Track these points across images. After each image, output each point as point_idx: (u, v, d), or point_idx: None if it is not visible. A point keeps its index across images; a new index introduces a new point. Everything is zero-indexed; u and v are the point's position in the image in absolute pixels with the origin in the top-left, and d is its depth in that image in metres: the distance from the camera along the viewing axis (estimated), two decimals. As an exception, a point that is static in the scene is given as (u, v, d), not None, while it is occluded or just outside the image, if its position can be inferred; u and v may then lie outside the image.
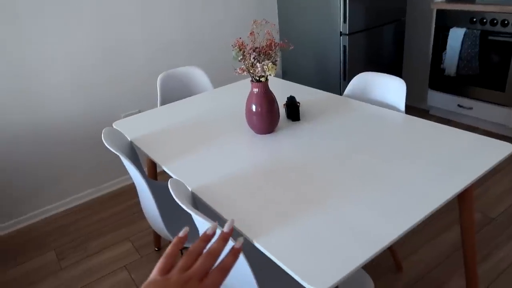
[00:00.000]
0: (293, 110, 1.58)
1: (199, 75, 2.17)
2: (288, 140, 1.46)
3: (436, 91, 3.17)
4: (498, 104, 2.81)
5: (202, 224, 1.02)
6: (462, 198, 1.28)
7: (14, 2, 2.09)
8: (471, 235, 1.35)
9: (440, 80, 3.10)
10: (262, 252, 0.94)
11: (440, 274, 1.80)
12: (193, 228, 1.55)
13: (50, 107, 2.36)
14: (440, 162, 1.20)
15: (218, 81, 2.99)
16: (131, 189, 2.74)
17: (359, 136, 1.42)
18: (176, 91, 2.14)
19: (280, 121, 1.62)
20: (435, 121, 3.19)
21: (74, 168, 2.56)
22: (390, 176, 1.16)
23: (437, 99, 3.19)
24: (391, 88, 1.66)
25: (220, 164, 1.34)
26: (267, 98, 1.45)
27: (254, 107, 1.46)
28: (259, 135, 1.52)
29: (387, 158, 1.25)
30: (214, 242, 0.52)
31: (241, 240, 0.54)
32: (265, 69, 1.37)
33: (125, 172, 2.79)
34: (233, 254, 0.51)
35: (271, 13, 3.18)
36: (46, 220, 2.51)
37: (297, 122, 1.59)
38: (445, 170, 1.15)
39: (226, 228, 0.54)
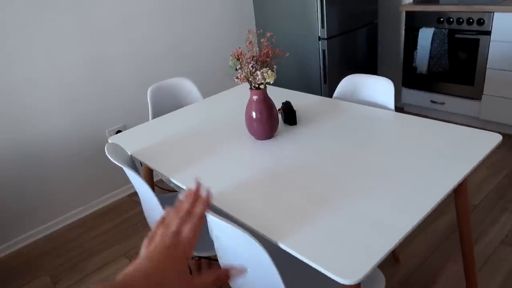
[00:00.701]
0: (290, 114, 1.63)
1: (188, 86, 2.19)
2: (288, 144, 1.50)
3: (409, 88, 3.32)
4: (468, 98, 2.98)
5: (225, 230, 1.04)
6: (458, 187, 1.37)
7: (2, 27, 2.04)
8: (467, 221, 1.44)
9: (412, 78, 3.26)
10: (284, 255, 0.98)
11: (436, 262, 1.90)
12: (205, 234, 1.57)
13: (35, 126, 2.31)
14: (438, 155, 1.28)
15: (204, 90, 3.01)
16: (122, 204, 2.71)
17: (355, 135, 1.48)
18: (165, 103, 2.15)
19: (278, 127, 1.66)
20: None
21: (62, 186, 2.50)
22: (393, 171, 1.22)
23: (411, 96, 3.34)
24: (379, 89, 1.75)
25: (227, 172, 1.37)
26: (266, 104, 1.49)
27: (254, 114, 1.50)
28: (259, 141, 1.55)
29: (386, 154, 1.32)
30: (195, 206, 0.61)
31: (209, 190, 0.64)
32: (265, 76, 1.41)
33: (115, 187, 2.75)
34: (203, 203, 0.61)
35: (249, 19, 3.23)
36: (37, 242, 2.43)
37: (294, 126, 1.64)
38: (444, 162, 1.23)
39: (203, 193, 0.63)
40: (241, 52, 1.42)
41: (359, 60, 3.13)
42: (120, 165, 1.36)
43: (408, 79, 3.28)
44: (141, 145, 1.66)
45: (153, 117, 2.07)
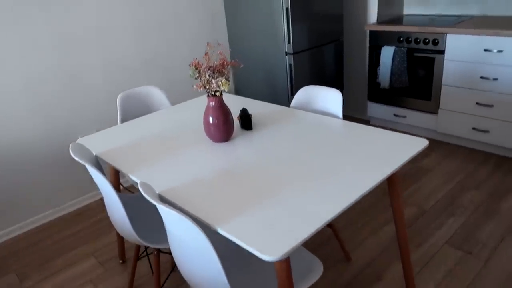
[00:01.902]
0: (246, 120, 1.77)
1: (156, 94, 2.32)
2: (242, 146, 1.64)
3: (374, 102, 3.52)
4: (427, 112, 3.19)
5: (170, 217, 1.16)
6: (391, 185, 1.52)
7: (-30, 29, 2.15)
8: (401, 219, 1.59)
9: (377, 93, 3.46)
10: (226, 242, 1.10)
11: (383, 261, 2.04)
12: (159, 228, 1.68)
13: (6, 132, 2.39)
14: (370, 156, 1.43)
15: (175, 99, 3.14)
16: (91, 209, 2.79)
17: (303, 140, 1.63)
18: (135, 110, 2.27)
19: (235, 131, 1.80)
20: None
21: (31, 190, 2.58)
22: (329, 170, 1.37)
23: (376, 110, 3.53)
24: (330, 99, 1.91)
25: (183, 170, 1.49)
26: (222, 110, 1.63)
27: (211, 119, 1.64)
28: (216, 144, 1.69)
29: (327, 156, 1.47)
30: None
31: None
32: (219, 84, 1.56)
33: (85, 191, 2.83)
34: None
35: (222, 35, 3.40)
36: (5, 244, 2.49)
37: (250, 131, 1.78)
38: (374, 162, 1.39)
39: None
40: (198, 62, 1.56)
41: (326, 75, 3.32)
42: (83, 163, 1.47)
43: (373, 93, 3.48)
44: (107, 147, 1.78)
45: (122, 122, 2.19)
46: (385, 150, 1.46)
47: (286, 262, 1.09)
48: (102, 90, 2.75)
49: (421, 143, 1.49)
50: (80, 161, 1.47)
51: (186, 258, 1.26)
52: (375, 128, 1.66)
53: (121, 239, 2.19)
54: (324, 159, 1.45)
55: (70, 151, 1.52)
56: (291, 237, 1.05)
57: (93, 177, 1.57)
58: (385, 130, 1.63)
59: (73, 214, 2.74)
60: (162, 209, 1.15)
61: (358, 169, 1.36)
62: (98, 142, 1.84)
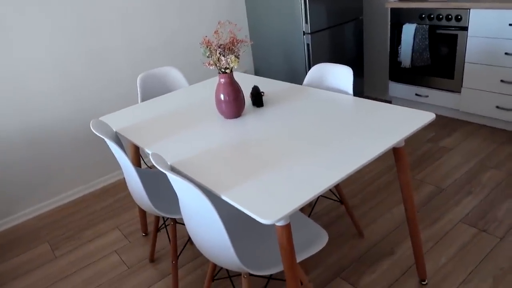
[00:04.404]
0: (257, 97, 1.82)
1: (175, 74, 2.40)
2: (252, 122, 1.69)
3: (396, 82, 3.47)
4: (449, 91, 3.12)
5: (178, 184, 1.24)
6: (398, 158, 1.54)
7: (2, 19, 2.29)
8: (408, 193, 1.61)
9: (398, 72, 3.40)
10: (233, 210, 1.17)
11: (396, 237, 2.06)
12: (174, 200, 1.77)
13: (38, 110, 2.55)
14: (376, 128, 1.45)
15: (194, 78, 3.23)
16: (118, 185, 2.94)
17: (312, 115, 1.66)
18: (154, 90, 2.36)
19: (247, 108, 1.86)
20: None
21: (64, 167, 2.75)
22: (334, 141, 1.40)
23: (397, 90, 3.48)
24: (341, 75, 1.92)
25: (194, 144, 1.57)
26: (232, 87, 1.69)
27: (222, 96, 1.70)
28: (228, 120, 1.75)
29: (334, 129, 1.50)
30: None
31: None
32: (229, 61, 1.61)
33: (112, 169, 2.98)
34: None
35: (241, 16, 3.43)
36: (39, 217, 2.68)
37: (261, 108, 1.83)
38: (379, 134, 1.41)
39: None
40: (208, 40, 1.62)
41: (345, 54, 3.29)
42: (103, 137, 1.57)
43: (394, 73, 3.43)
44: (126, 124, 1.88)
45: (142, 102, 2.29)
46: (391, 123, 1.48)
47: (286, 227, 1.15)
48: (125, 70, 2.86)
49: (427, 117, 1.49)
50: (101, 135, 1.58)
51: (194, 225, 1.34)
52: (383, 103, 1.67)
53: (143, 213, 2.32)
54: (331, 132, 1.49)
55: (91, 126, 1.63)
56: (290, 202, 1.11)
57: (112, 150, 1.67)
58: (393, 105, 1.64)
59: (101, 190, 2.91)
60: (171, 177, 1.23)
61: (363, 140, 1.38)
62: (119, 120, 1.94)
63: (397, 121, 1.50)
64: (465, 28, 2.85)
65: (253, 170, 1.31)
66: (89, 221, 2.55)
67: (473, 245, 1.93)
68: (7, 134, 2.47)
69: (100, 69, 2.74)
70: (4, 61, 2.37)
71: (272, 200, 1.13)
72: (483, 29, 2.75)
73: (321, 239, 1.43)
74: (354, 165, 1.25)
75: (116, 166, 3.00)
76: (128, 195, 2.80)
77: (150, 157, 1.30)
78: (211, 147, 1.52)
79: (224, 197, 1.19)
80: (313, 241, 1.42)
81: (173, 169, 1.44)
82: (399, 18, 3.21)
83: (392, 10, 3.23)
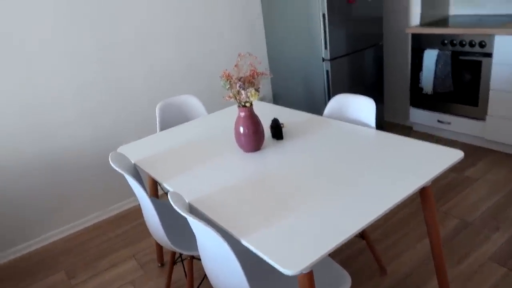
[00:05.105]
0: (277, 130, 1.79)
1: (194, 102, 2.40)
2: (272, 156, 1.66)
3: (417, 108, 3.40)
4: (473, 118, 3.03)
5: (198, 228, 1.21)
6: (424, 198, 1.47)
7: (23, 42, 2.34)
8: (435, 235, 1.53)
9: (419, 98, 3.34)
10: (250, 251, 1.12)
11: (421, 276, 1.97)
12: (192, 236, 1.73)
13: (58, 137, 2.58)
14: (401, 167, 1.39)
15: (213, 106, 3.22)
16: (134, 212, 2.92)
17: (334, 150, 1.62)
18: (173, 118, 2.36)
19: (266, 141, 1.83)
20: (418, 137, 3.40)
21: (80, 193, 2.75)
22: (357, 181, 1.35)
23: (419, 116, 3.41)
24: (362, 107, 1.88)
25: (213, 179, 1.54)
26: (252, 120, 1.66)
27: (241, 129, 1.67)
28: (247, 153, 1.72)
29: (357, 166, 1.45)
30: None
31: None
32: (249, 95, 1.59)
33: (128, 195, 2.98)
34: None
35: (260, 41, 3.44)
36: (55, 243, 2.68)
37: (281, 141, 1.80)
38: (405, 174, 1.35)
39: None
40: (228, 74, 1.61)
41: (365, 80, 3.25)
42: (121, 172, 1.56)
43: (416, 99, 3.36)
44: (145, 155, 1.87)
45: (161, 130, 2.28)
46: (417, 162, 1.42)
47: (308, 275, 1.10)
48: (144, 97, 2.88)
49: (455, 155, 1.43)
50: (119, 170, 1.56)
51: (213, 266, 1.30)
52: (407, 138, 1.62)
53: (159, 245, 2.29)
54: (353, 169, 1.44)
55: (110, 160, 1.62)
56: (313, 250, 1.06)
57: (130, 183, 1.65)
58: (418, 140, 1.58)
59: (117, 216, 2.89)
60: (190, 219, 1.19)
61: (388, 180, 1.33)
62: (137, 150, 1.94)
63: (424, 158, 1.44)
64: (490, 55, 2.78)
65: (273, 210, 1.27)
66: (105, 249, 2.53)
67: (503, 286, 1.82)
68: (25, 159, 2.50)
69: (119, 96, 2.77)
70: (25, 89, 2.41)
71: (295, 247, 1.08)
72: (509, 56, 2.68)
73: (344, 283, 1.37)
74: (381, 209, 1.19)
75: (133, 192, 2.99)
76: (144, 223, 2.77)
77: (169, 196, 1.27)
78: (230, 183, 1.48)
79: (244, 242, 1.14)
80: (335, 285, 1.36)
81: (191, 207, 1.40)
82: (420, 43, 3.16)
83: (413, 35, 3.19)
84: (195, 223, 1.18)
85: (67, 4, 2.43)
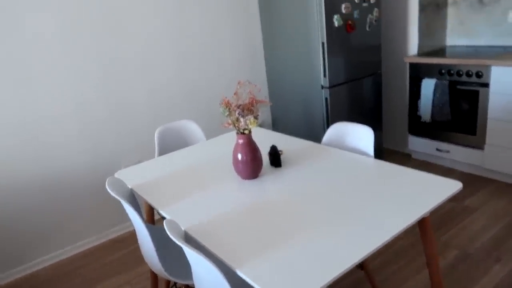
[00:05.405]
0: (275, 157, 1.79)
1: (193, 128, 2.40)
2: (270, 184, 1.65)
3: (415, 136, 3.41)
4: (472, 147, 3.04)
5: (193, 257, 1.18)
6: (422, 230, 1.46)
7: (26, 63, 2.37)
8: (435, 267, 1.51)
9: (418, 126, 3.35)
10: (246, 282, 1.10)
11: (420, 307, 1.92)
12: (187, 264, 1.70)
13: (57, 158, 2.57)
14: (399, 198, 1.38)
15: (213, 131, 3.23)
16: (130, 236, 2.88)
17: (332, 179, 1.61)
18: (172, 143, 2.36)
19: (264, 168, 1.82)
20: (417, 165, 3.39)
21: (78, 216, 2.72)
22: (356, 210, 1.34)
23: (417, 144, 3.42)
24: (361, 135, 1.88)
25: (210, 206, 1.52)
26: (250, 148, 1.66)
27: (239, 156, 1.67)
28: (245, 181, 1.71)
29: (355, 196, 1.44)
30: None
31: None
32: (247, 123, 1.59)
33: (125, 219, 2.94)
34: None
35: (260, 68, 3.49)
36: (51, 267, 2.62)
37: (279, 168, 1.80)
38: (403, 205, 1.34)
39: None
40: (228, 101, 1.62)
41: (364, 108, 3.28)
42: (118, 198, 1.55)
43: (414, 126, 3.38)
44: (142, 180, 1.86)
45: (159, 155, 2.28)
46: (415, 192, 1.41)
47: (305, 309, 1.07)
48: (144, 119, 2.89)
49: (454, 186, 1.42)
50: (115, 195, 1.55)
51: (207, 297, 1.27)
52: (406, 168, 1.62)
53: (154, 273, 2.24)
54: (351, 199, 1.43)
55: (107, 185, 1.61)
56: (311, 282, 1.04)
57: (126, 211, 1.64)
58: (416, 170, 1.58)
59: (113, 241, 2.85)
60: (186, 249, 1.17)
61: (387, 211, 1.32)
62: (135, 175, 1.93)
63: (422, 189, 1.43)
64: (487, 85, 2.82)
65: (270, 240, 1.25)
66: (101, 274, 2.48)
67: (506, 321, 1.78)
68: (19, 179, 2.48)
69: (119, 119, 2.78)
70: (26, 110, 2.42)
71: (292, 279, 1.06)
72: (506, 86, 2.71)
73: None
74: (379, 241, 1.18)
75: (128, 216, 2.96)
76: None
77: (164, 224, 1.26)
78: (227, 211, 1.47)
79: (239, 273, 1.12)
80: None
81: (187, 235, 1.38)
82: (418, 72, 3.20)
83: (411, 64, 3.24)
84: (190, 253, 1.16)
85: (70, 22, 2.48)
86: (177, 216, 1.49)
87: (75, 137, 2.62)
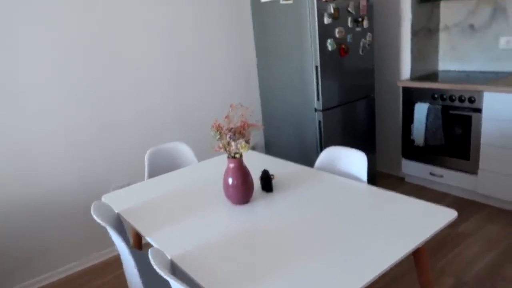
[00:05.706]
0: (267, 182, 1.75)
1: (185, 150, 2.37)
2: (261, 209, 1.61)
3: (409, 160, 3.39)
4: (466, 172, 3.02)
5: (173, 284, 1.13)
6: (417, 259, 1.42)
7: (14, 81, 2.34)
8: (431, 296, 1.46)
9: (411, 150, 3.34)
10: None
11: None
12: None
13: (43, 180, 2.51)
14: (393, 227, 1.35)
15: (205, 153, 3.19)
16: (117, 260, 2.80)
17: (324, 205, 1.57)
18: (163, 165, 2.32)
19: (256, 193, 1.78)
20: (410, 189, 3.35)
21: (64, 239, 2.64)
22: (350, 239, 1.30)
23: (411, 168, 3.40)
24: (354, 160, 1.86)
25: (199, 233, 1.47)
26: (241, 172, 1.62)
27: (230, 180, 1.63)
28: (235, 206, 1.67)
29: (347, 225, 1.40)
30: None
31: None
32: (239, 147, 1.56)
33: (111, 244, 2.86)
34: None
35: (253, 90, 3.48)
36: (31, 293, 2.53)
37: (270, 193, 1.76)
38: (397, 235, 1.30)
39: None
40: (219, 125, 1.59)
41: (357, 131, 3.27)
42: (102, 224, 1.49)
43: (408, 150, 3.37)
44: (129, 205, 1.81)
45: (149, 177, 2.23)
46: (409, 222, 1.38)
47: None
48: (135, 142, 2.85)
49: (449, 215, 1.39)
50: (100, 221, 1.50)
51: (193, 331, 1.21)
52: (399, 195, 1.58)
53: (140, 297, 2.16)
54: (344, 228, 1.38)
55: (92, 211, 1.55)
56: (299, 319, 0.98)
57: (112, 237, 1.58)
58: (410, 198, 1.55)
59: (102, 264, 2.76)
60: (172, 282, 1.12)
61: (380, 241, 1.28)
62: (122, 199, 1.87)
63: (417, 217, 1.40)
64: (479, 110, 2.82)
65: (260, 270, 1.20)
66: (83, 301, 2.39)
67: None
68: (5, 206, 2.41)
69: (109, 140, 2.74)
70: (13, 130, 2.37)
71: (280, 316, 1.01)
72: (499, 112, 2.72)
73: None
74: (373, 273, 1.13)
75: (118, 238, 2.88)
76: (127, 272, 2.65)
77: (149, 254, 1.20)
78: (216, 238, 1.42)
79: (226, 307, 1.07)
80: None
81: (173, 265, 1.33)
82: (411, 96, 3.21)
83: (404, 88, 3.25)
84: (175, 285, 1.11)
85: (62, 44, 2.46)
86: (164, 243, 1.43)
87: (64, 159, 2.57)
